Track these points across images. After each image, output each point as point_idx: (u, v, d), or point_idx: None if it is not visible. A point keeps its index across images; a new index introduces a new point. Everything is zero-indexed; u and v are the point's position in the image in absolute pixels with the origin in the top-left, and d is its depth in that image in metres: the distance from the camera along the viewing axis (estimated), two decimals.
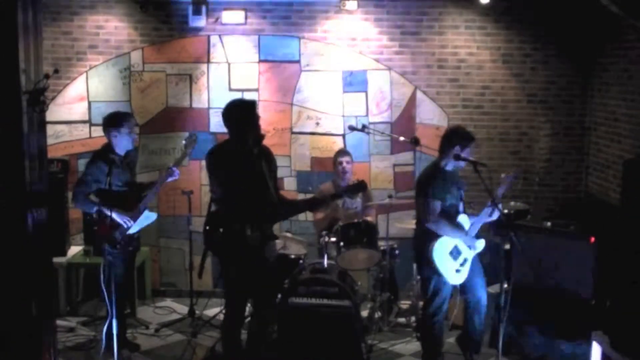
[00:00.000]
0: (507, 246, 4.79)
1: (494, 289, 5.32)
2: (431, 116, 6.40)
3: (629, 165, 4.53)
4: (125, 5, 6.27)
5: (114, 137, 4.87)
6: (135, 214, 4.85)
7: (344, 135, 6.43)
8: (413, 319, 5.75)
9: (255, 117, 4.42)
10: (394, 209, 5.78)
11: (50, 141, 5.29)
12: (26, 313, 3.95)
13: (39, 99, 3.84)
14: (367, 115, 6.40)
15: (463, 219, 4.77)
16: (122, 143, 4.90)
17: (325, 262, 5.25)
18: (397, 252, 5.72)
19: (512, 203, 5.79)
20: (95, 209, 4.74)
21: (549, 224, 5.33)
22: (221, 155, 4.42)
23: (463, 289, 4.88)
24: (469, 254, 4.75)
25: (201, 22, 6.23)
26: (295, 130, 6.44)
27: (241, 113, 4.39)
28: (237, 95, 6.21)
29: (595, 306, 4.76)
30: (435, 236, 4.68)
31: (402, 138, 5.84)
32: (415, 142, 5.75)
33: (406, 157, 6.46)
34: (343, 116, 6.41)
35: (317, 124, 6.43)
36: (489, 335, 5.26)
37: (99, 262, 4.60)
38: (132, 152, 5.07)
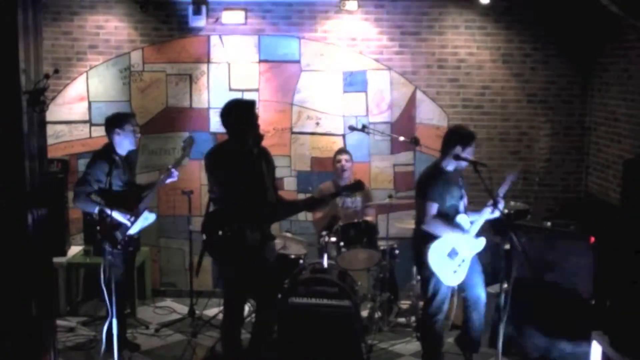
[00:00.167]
0: (507, 246, 4.78)
1: (494, 289, 5.31)
2: (431, 116, 6.40)
3: (629, 165, 4.53)
4: (125, 5, 6.27)
5: (116, 137, 4.88)
6: (136, 214, 4.85)
7: (344, 135, 6.43)
8: (413, 319, 5.75)
9: (254, 117, 4.42)
10: (394, 209, 5.79)
11: (50, 141, 5.30)
12: (26, 313, 3.95)
13: (39, 99, 3.84)
14: (367, 115, 6.40)
15: (462, 218, 4.76)
16: (124, 143, 4.91)
17: (325, 262, 5.25)
18: (397, 252, 5.72)
19: (512, 203, 5.79)
20: (96, 208, 4.74)
21: (549, 224, 5.33)
22: (221, 155, 4.42)
23: (462, 287, 4.90)
24: (467, 254, 4.75)
25: (201, 22, 6.23)
26: (295, 130, 6.44)
27: (240, 113, 4.39)
28: (237, 95, 6.22)
29: (595, 306, 4.76)
30: (432, 238, 4.68)
31: (402, 138, 5.85)
32: (415, 142, 5.75)
33: (406, 157, 6.46)
34: (343, 116, 6.41)
35: (317, 124, 6.43)
36: (489, 335, 5.25)
37: (99, 262, 4.59)
38: (132, 152, 5.07)
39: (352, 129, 5.87)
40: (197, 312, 5.95)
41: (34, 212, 3.93)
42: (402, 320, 5.80)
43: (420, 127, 6.40)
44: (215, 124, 6.28)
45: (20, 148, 3.81)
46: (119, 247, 4.79)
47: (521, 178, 6.11)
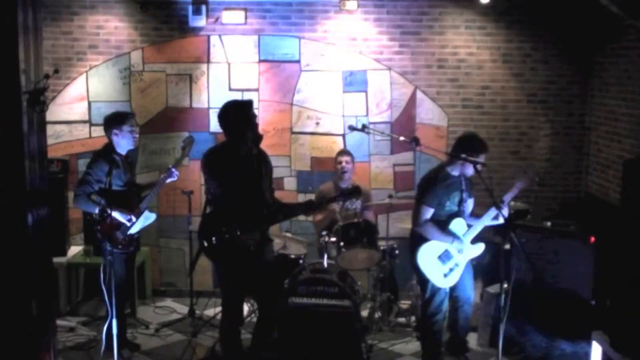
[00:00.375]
0: (507, 246, 4.79)
1: (494, 289, 5.32)
2: (431, 116, 6.40)
3: (629, 165, 4.53)
4: (125, 5, 6.27)
5: (115, 137, 4.88)
6: (136, 214, 4.85)
7: (344, 135, 6.43)
8: (413, 319, 5.75)
9: (252, 116, 4.41)
10: (394, 209, 5.78)
11: (50, 141, 5.29)
12: (26, 313, 3.95)
13: (39, 99, 3.84)
14: (367, 115, 6.40)
15: (457, 223, 4.74)
16: (123, 143, 4.90)
17: (325, 262, 5.25)
18: (397, 252, 5.71)
19: (512, 203, 5.78)
20: (97, 209, 4.72)
21: (549, 224, 5.33)
22: (221, 156, 4.41)
23: (453, 287, 4.87)
24: (461, 259, 4.74)
25: (201, 22, 6.23)
26: (295, 130, 6.44)
27: (238, 113, 4.38)
28: (237, 95, 6.23)
29: (595, 306, 4.76)
30: (424, 240, 4.69)
31: (402, 138, 5.83)
32: (415, 142, 5.74)
33: (406, 157, 6.46)
34: (343, 116, 6.41)
35: (317, 124, 6.43)
36: (489, 335, 5.26)
37: (99, 262, 4.60)
38: (132, 152, 5.07)
39: (352, 128, 5.85)
40: (197, 312, 5.95)
41: (34, 212, 3.93)
42: (402, 320, 5.80)
43: (420, 127, 6.39)
44: (216, 124, 6.16)
45: (20, 148, 3.82)
46: (119, 247, 4.79)
47: (536, 182, 5.83)
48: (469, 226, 4.75)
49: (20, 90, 3.79)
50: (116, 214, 4.68)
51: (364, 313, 5.73)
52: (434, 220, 4.72)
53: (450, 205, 4.74)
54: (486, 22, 6.29)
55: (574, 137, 6.43)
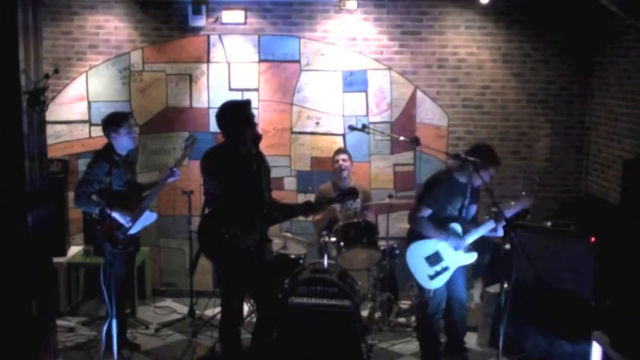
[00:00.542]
0: (507, 246, 4.79)
1: (494, 289, 5.32)
2: (431, 116, 6.40)
3: (629, 165, 4.53)
4: (125, 5, 6.27)
5: (113, 138, 4.87)
6: (137, 214, 4.85)
7: (344, 135, 6.43)
8: (413, 319, 5.75)
9: (250, 116, 4.40)
10: (394, 209, 5.78)
11: (50, 141, 5.29)
12: (26, 313, 3.96)
13: (39, 99, 3.84)
14: (367, 115, 6.40)
15: (454, 227, 4.75)
16: (122, 143, 4.90)
17: (325, 262, 5.25)
18: (397, 252, 5.72)
19: (512, 203, 5.78)
20: (98, 209, 4.71)
21: (549, 224, 5.33)
22: (221, 156, 4.41)
23: (448, 288, 4.85)
24: (452, 264, 4.72)
25: (201, 21, 6.22)
26: (295, 130, 6.44)
27: (236, 113, 4.38)
28: (237, 95, 6.24)
29: (595, 306, 4.76)
30: (418, 237, 4.69)
31: (402, 138, 5.83)
32: (415, 142, 5.74)
33: (406, 157, 6.45)
34: (343, 116, 6.41)
35: (317, 123, 6.43)
36: (489, 335, 5.26)
37: (99, 262, 4.59)
38: (133, 151, 5.07)
39: (352, 128, 5.86)
40: (197, 312, 5.95)
41: (34, 212, 3.93)
42: (402, 320, 5.80)
43: (420, 126, 6.39)
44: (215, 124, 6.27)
45: (20, 148, 3.82)
46: (119, 247, 4.79)
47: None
48: (466, 232, 4.73)
49: (20, 90, 3.79)
50: (116, 215, 4.68)
51: (364, 313, 5.73)
52: (433, 220, 4.72)
53: (451, 210, 4.74)
54: (486, 22, 6.29)
55: (574, 137, 6.43)
